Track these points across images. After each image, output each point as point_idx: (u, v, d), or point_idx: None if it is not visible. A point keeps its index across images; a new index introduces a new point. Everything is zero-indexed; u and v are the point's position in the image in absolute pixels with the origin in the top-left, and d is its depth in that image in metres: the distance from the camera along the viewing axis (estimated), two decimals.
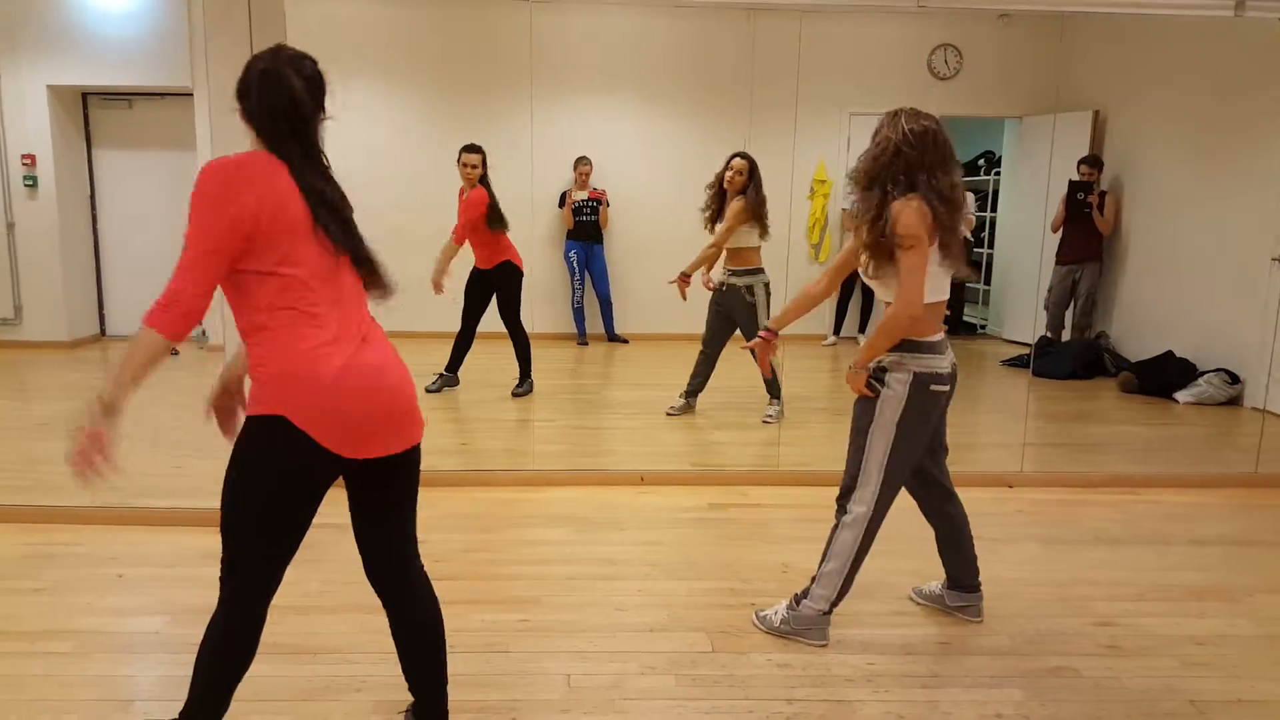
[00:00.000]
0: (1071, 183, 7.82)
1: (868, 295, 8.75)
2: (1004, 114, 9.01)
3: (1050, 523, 4.49)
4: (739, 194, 5.80)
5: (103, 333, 8.95)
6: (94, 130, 8.74)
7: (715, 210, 5.94)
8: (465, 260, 6.41)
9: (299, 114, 2.21)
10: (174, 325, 2.09)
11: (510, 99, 7.73)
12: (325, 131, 2.30)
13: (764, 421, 5.91)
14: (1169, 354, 7.21)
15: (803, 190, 8.67)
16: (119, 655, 3.09)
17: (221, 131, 4.14)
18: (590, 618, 3.40)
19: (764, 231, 5.83)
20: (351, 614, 3.36)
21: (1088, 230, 7.90)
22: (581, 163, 8.38)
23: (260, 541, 2.22)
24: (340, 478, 2.29)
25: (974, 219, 8.53)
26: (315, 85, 2.26)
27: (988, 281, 9.06)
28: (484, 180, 6.31)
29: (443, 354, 6.55)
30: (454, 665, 2.95)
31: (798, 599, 3.25)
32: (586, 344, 8.46)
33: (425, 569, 2.50)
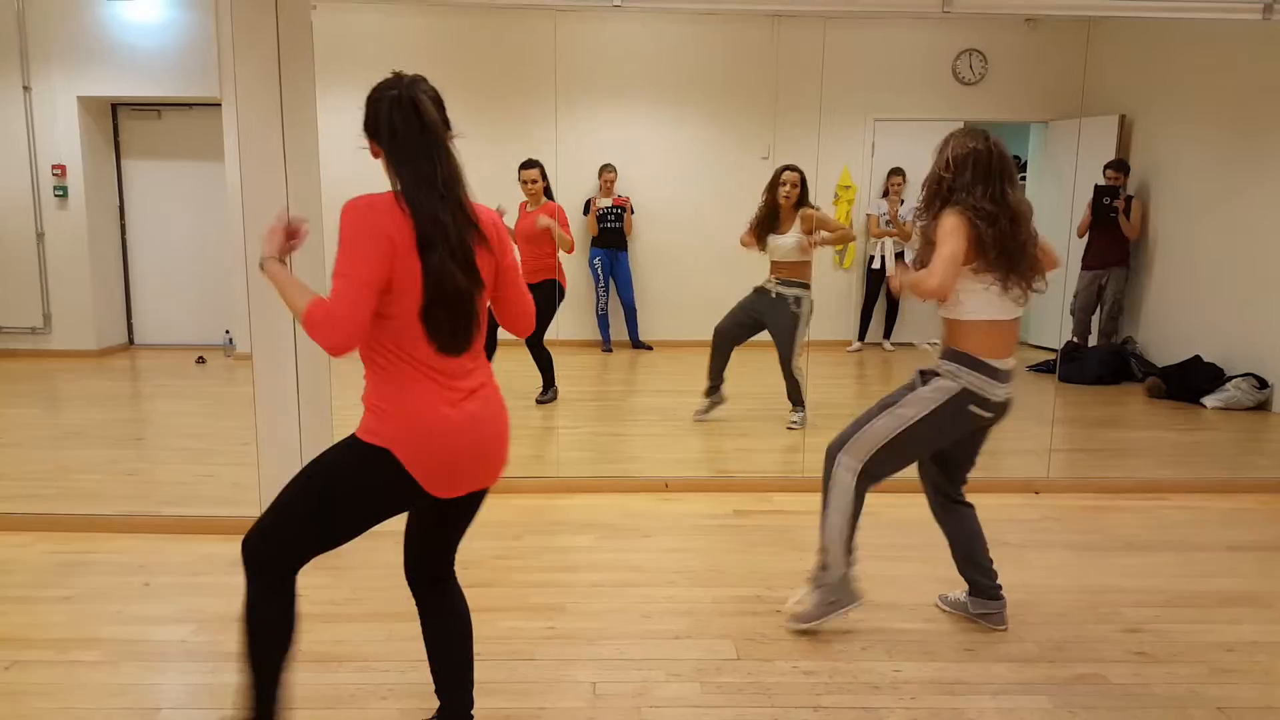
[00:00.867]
0: (1098, 187, 7.77)
1: (892, 303, 8.73)
2: (1029, 119, 8.98)
3: (1078, 529, 4.45)
4: (795, 206, 5.83)
5: (130, 342, 9.03)
6: (123, 141, 8.84)
7: (766, 221, 5.92)
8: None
9: (435, 136, 2.21)
10: (328, 341, 2.07)
11: (535, 107, 7.75)
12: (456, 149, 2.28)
13: (789, 428, 5.90)
14: (1196, 359, 7.15)
15: (827, 196, 8.67)
16: (146, 663, 3.11)
17: (249, 142, 4.18)
18: (616, 625, 3.40)
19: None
20: (379, 622, 3.37)
21: (1114, 235, 7.85)
22: (606, 170, 8.40)
23: (312, 533, 2.29)
24: None
25: None
26: (440, 104, 2.27)
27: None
28: (548, 193, 6.35)
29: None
30: (480, 672, 2.96)
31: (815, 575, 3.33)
32: (611, 351, 8.47)
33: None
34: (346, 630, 3.31)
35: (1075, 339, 8.03)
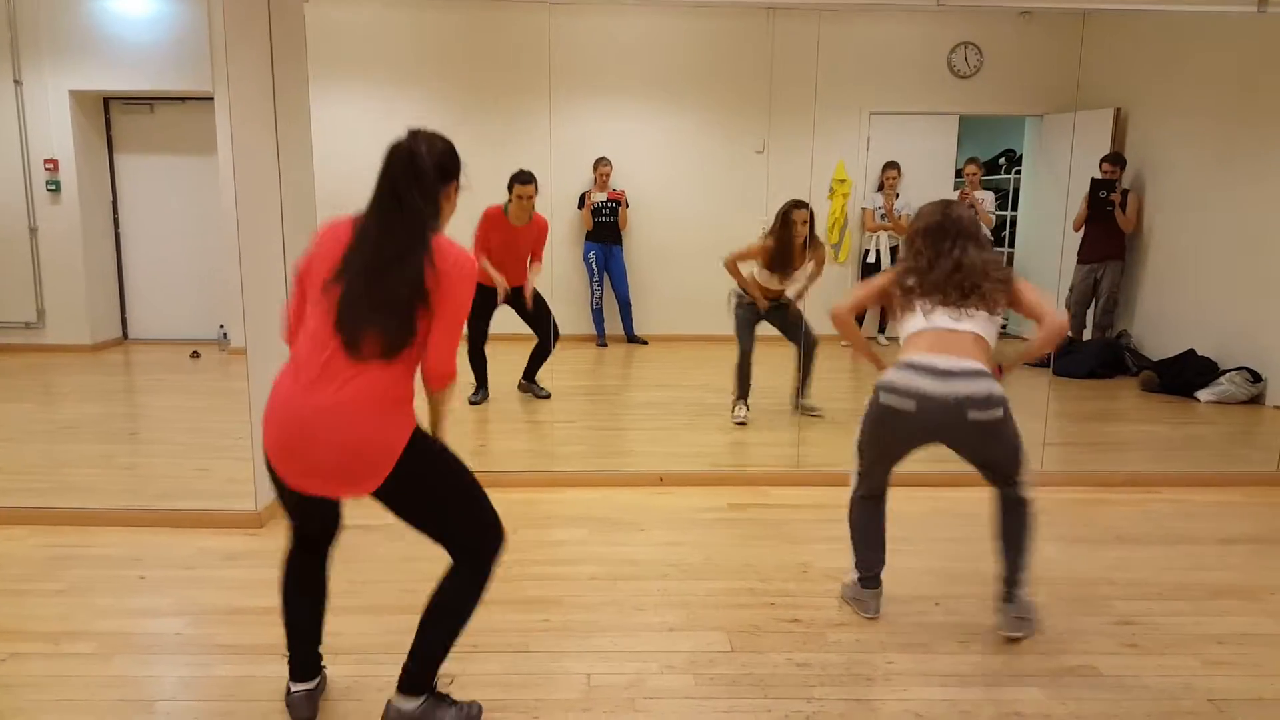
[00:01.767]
0: (1094, 181, 7.78)
1: None
2: (1024, 112, 8.98)
3: (1071, 522, 4.47)
4: (804, 242, 5.88)
5: (125, 336, 9.01)
6: (116, 135, 8.81)
7: (777, 261, 5.92)
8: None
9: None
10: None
11: (529, 100, 7.75)
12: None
13: (816, 415, 6.02)
14: (1190, 353, 7.16)
15: (822, 190, 8.67)
16: (141, 656, 3.11)
17: (242, 136, 4.17)
18: (610, 617, 3.41)
19: None
20: (376, 615, 3.38)
21: (1109, 229, 7.86)
22: (601, 164, 8.39)
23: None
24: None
25: (993, 218, 8.50)
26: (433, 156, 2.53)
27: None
28: None
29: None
30: (475, 664, 2.99)
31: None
32: (606, 345, 8.47)
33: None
34: (343, 623, 3.31)
35: (1070, 333, 8.03)
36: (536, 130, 6.97)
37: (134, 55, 8.15)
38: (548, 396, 6.56)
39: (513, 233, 6.23)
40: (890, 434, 3.22)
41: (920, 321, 3.23)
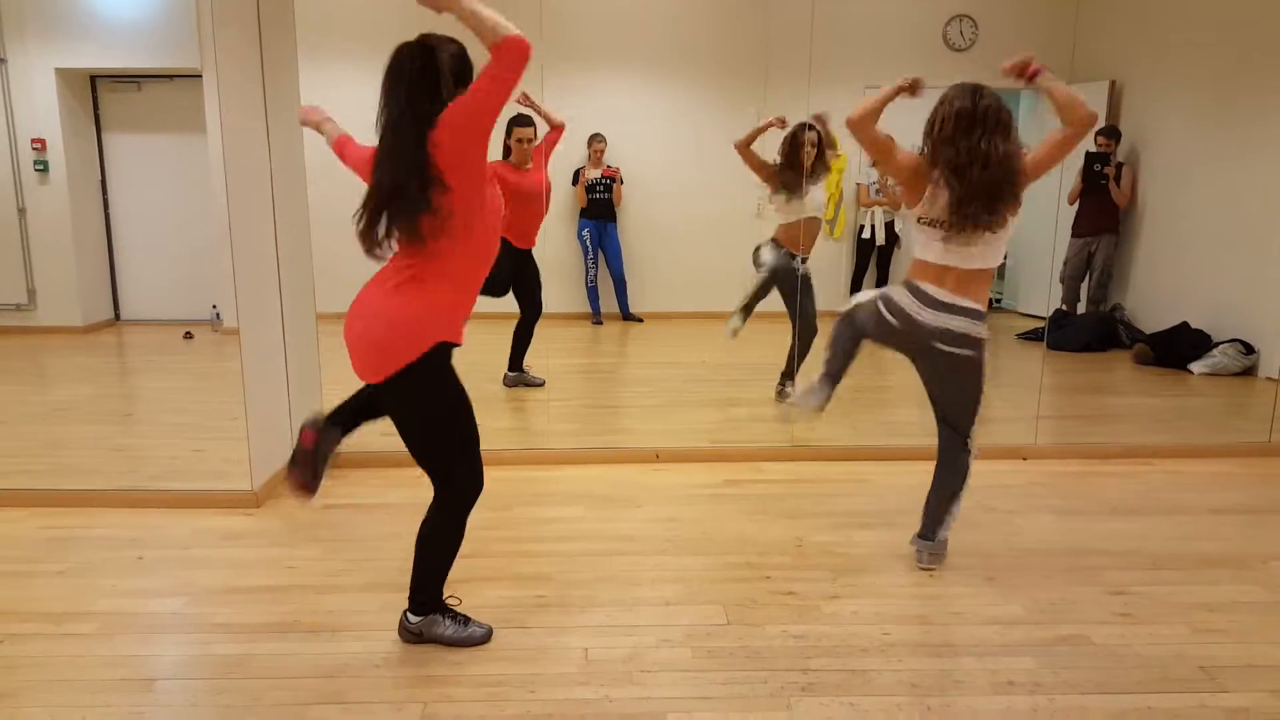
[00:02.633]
0: (1089, 154, 7.77)
1: (882, 273, 8.72)
2: (1020, 85, 8.93)
3: (1064, 494, 4.49)
4: (813, 164, 5.82)
5: (116, 317, 8.98)
6: (103, 113, 8.74)
7: (791, 182, 5.83)
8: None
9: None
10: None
11: (522, 76, 7.70)
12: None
13: (782, 396, 5.91)
14: (1184, 325, 7.18)
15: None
16: (140, 635, 3.12)
17: (230, 113, 4.15)
18: (607, 593, 3.42)
19: None
20: (374, 593, 3.39)
21: (1104, 202, 7.85)
22: (595, 140, 8.35)
23: None
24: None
25: None
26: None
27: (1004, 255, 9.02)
28: None
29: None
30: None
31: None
32: (601, 323, 8.46)
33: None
34: (341, 600, 3.33)
35: (1064, 306, 8.04)
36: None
37: (121, 32, 8.09)
38: (542, 384, 6.37)
39: (521, 178, 6.08)
40: (875, 329, 3.51)
41: (937, 250, 3.41)
